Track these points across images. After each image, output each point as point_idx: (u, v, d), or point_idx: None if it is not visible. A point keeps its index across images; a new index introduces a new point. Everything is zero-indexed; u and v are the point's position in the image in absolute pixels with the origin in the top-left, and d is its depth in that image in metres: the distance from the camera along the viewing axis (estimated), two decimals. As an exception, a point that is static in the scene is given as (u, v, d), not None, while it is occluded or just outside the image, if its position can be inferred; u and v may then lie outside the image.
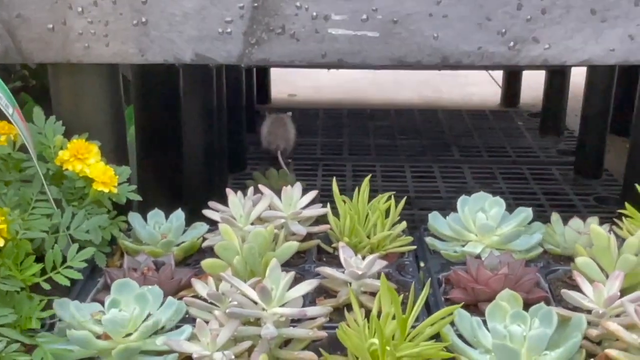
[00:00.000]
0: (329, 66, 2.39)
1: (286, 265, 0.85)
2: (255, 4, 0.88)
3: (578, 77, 2.24)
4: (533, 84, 2.88)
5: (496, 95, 3.03)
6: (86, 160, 0.88)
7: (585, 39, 0.89)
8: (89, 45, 0.91)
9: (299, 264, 0.92)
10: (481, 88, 3.27)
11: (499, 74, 3.16)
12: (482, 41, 0.90)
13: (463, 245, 0.93)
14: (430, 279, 0.85)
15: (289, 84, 3.24)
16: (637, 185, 0.94)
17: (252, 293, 0.74)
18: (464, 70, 3.43)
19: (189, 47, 0.90)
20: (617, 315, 0.74)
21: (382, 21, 0.89)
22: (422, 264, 0.93)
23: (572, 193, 2.03)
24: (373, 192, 0.98)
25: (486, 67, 2.20)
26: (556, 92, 2.50)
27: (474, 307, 0.83)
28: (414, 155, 2.31)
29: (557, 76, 2.49)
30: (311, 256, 0.94)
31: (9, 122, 0.88)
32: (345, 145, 2.43)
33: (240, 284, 0.74)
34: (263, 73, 2.88)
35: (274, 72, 3.00)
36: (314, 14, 0.89)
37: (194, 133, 1.66)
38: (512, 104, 2.91)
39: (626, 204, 0.94)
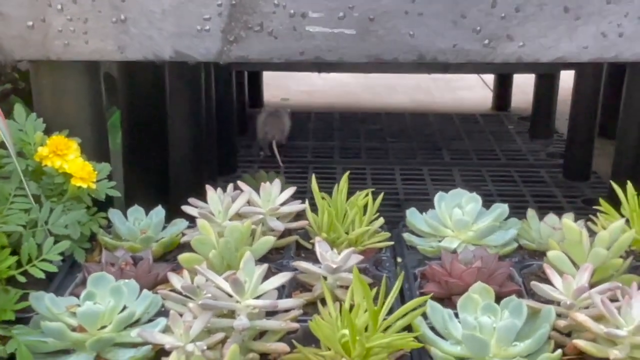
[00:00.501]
0: (307, 67, 2.41)
1: (264, 261, 0.85)
2: (234, 2, 0.89)
3: (568, 82, 2.25)
4: (525, 88, 2.90)
5: (487, 100, 3.05)
6: (65, 156, 0.89)
7: (558, 36, 0.90)
8: (68, 43, 0.92)
9: (277, 260, 0.92)
10: (473, 92, 3.29)
11: (490, 78, 3.18)
12: (457, 38, 0.91)
13: (440, 241, 0.94)
14: (404, 272, 0.85)
15: (281, 89, 3.25)
16: (613, 183, 0.95)
17: (227, 286, 0.74)
18: (456, 75, 3.45)
19: (168, 44, 0.91)
20: (586, 307, 0.75)
21: (358, 19, 0.90)
22: (399, 260, 0.94)
23: (560, 195, 2.05)
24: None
25: (462, 66, 2.22)
26: (546, 96, 2.52)
27: (448, 300, 0.83)
28: (404, 158, 2.33)
29: (547, 80, 2.51)
30: (289, 252, 0.95)
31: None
32: (336, 149, 2.44)
33: (214, 277, 0.75)
34: (255, 77, 2.90)
35: (267, 77, 3.01)
36: (292, 11, 0.90)
37: (181, 135, 1.67)
38: (503, 108, 2.93)
39: (601, 200, 0.95)
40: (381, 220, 0.96)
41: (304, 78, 3.32)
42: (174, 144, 1.63)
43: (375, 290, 0.73)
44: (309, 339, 0.76)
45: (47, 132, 0.95)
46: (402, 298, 0.84)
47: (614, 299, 0.73)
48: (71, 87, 0.97)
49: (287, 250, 0.96)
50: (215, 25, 0.90)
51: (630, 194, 0.93)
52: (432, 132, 2.63)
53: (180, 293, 0.78)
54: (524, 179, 2.17)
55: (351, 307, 0.73)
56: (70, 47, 0.92)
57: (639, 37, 0.89)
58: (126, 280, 0.79)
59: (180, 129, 1.67)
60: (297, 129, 2.60)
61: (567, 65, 2.26)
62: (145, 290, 0.78)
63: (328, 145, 2.44)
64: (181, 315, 0.73)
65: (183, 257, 0.83)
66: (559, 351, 0.70)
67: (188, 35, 0.91)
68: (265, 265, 0.76)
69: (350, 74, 3.43)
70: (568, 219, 0.89)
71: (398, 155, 2.38)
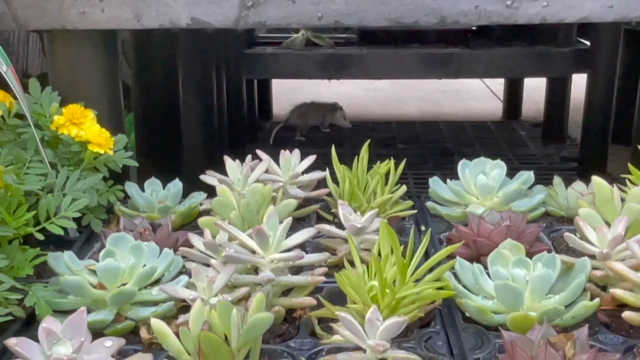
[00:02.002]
0: (316, 74, 2.41)
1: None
2: (251, -34, 0.89)
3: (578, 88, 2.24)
4: (535, 98, 2.89)
5: (498, 110, 3.03)
6: (82, 124, 0.88)
7: (582, -5, 0.88)
8: (84, 11, 0.91)
9: (298, 229, 0.90)
10: (482, 103, 3.28)
11: (500, 89, 3.17)
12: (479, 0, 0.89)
13: (465, 208, 0.91)
14: (430, 238, 0.83)
15: (290, 101, 3.25)
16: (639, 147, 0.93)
17: (250, 241, 0.72)
18: (465, 86, 3.45)
19: (185, 11, 0.90)
20: (622, 260, 0.72)
21: (378, -19, 0.89)
22: (422, 228, 0.92)
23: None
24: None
25: (472, 70, 2.22)
26: (558, 100, 2.50)
27: (477, 262, 0.81)
28: (416, 164, 2.31)
29: (559, 84, 2.50)
30: (310, 222, 0.93)
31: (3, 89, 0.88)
32: (347, 156, 2.43)
33: (237, 232, 0.73)
34: (265, 89, 2.91)
35: (276, 91, 3.02)
36: (310, -25, 0.89)
37: (193, 138, 1.67)
38: (513, 117, 2.91)
39: (629, 165, 0.93)
40: (404, 188, 0.94)
41: (312, 91, 3.32)
42: (186, 144, 1.62)
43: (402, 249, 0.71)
44: (334, 299, 0.73)
45: (62, 106, 0.94)
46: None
47: (650, 252, 0.70)
48: (87, 59, 0.96)
49: (308, 220, 0.93)
50: (234, -10, 0.89)
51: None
52: (443, 139, 2.62)
53: (201, 253, 0.76)
54: (539, 182, 2.15)
55: (378, 256, 0.71)
56: (87, 16, 0.91)
57: (665, -6, 0.87)
58: (146, 243, 0.77)
59: (193, 133, 1.67)
60: (307, 138, 2.60)
61: (580, 69, 2.26)
62: (166, 249, 0.76)
63: (339, 152, 2.43)
64: (203, 273, 0.71)
65: (203, 219, 0.81)
66: (597, 299, 0.67)
67: (205, 1, 0.90)
68: (289, 219, 0.73)
69: (358, 87, 3.43)
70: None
71: (410, 160, 2.36)
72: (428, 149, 2.49)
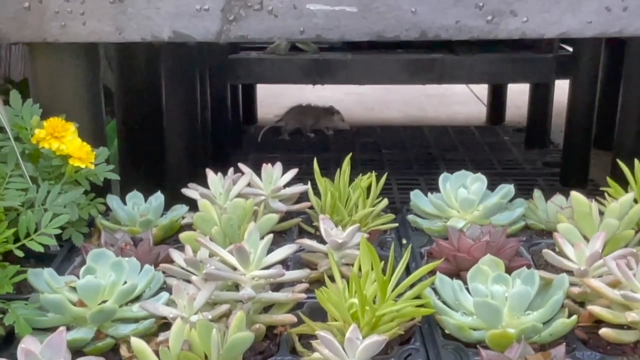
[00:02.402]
0: (300, 79, 2.42)
1: (268, 243, 0.83)
2: (233, -20, 0.89)
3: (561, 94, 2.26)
4: (518, 103, 2.91)
5: (481, 115, 3.05)
6: (63, 138, 0.87)
7: (562, 11, 0.89)
8: (65, 24, 0.90)
9: (279, 243, 0.90)
10: (466, 107, 3.29)
11: (484, 94, 3.18)
12: (460, 15, 0.90)
13: (445, 222, 0.92)
14: (411, 252, 0.84)
15: (275, 105, 3.25)
16: (618, 160, 0.94)
17: (231, 258, 0.72)
18: (449, 91, 3.47)
19: (167, 25, 0.90)
20: (600, 276, 0.73)
21: (360, -4, 0.90)
22: (404, 241, 0.92)
23: (558, 202, 2.03)
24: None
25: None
26: (541, 106, 2.52)
27: (457, 277, 0.81)
28: (400, 169, 2.32)
29: (541, 90, 2.52)
30: (292, 235, 0.93)
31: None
32: (331, 160, 2.43)
33: (218, 249, 0.73)
34: (250, 94, 2.91)
35: (261, 95, 3.02)
36: (292, -11, 0.89)
37: (176, 144, 1.66)
38: (497, 121, 2.93)
39: (608, 179, 0.94)
40: (385, 201, 0.95)
41: (296, 95, 3.32)
42: (169, 152, 1.62)
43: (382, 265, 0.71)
44: (315, 315, 0.74)
45: (44, 117, 0.93)
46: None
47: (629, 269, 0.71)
48: (68, 72, 0.96)
49: (290, 234, 0.94)
50: (215, 4, 0.89)
51: (638, 171, 0.91)
52: (427, 144, 2.63)
53: (182, 269, 0.76)
54: (521, 187, 2.16)
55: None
56: (68, 29, 0.91)
57: (642, 11, 0.88)
58: (127, 259, 0.77)
59: (176, 140, 1.67)
60: (291, 143, 2.60)
61: (562, 75, 2.27)
62: (146, 265, 0.76)
63: (324, 157, 2.43)
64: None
65: (185, 235, 0.81)
66: (574, 316, 0.68)
67: (187, 14, 0.90)
68: (270, 236, 0.74)
69: (342, 91, 3.44)
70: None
71: (394, 166, 2.37)
72: (412, 153, 2.50)
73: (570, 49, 2.25)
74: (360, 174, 0.98)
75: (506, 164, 2.36)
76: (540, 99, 2.51)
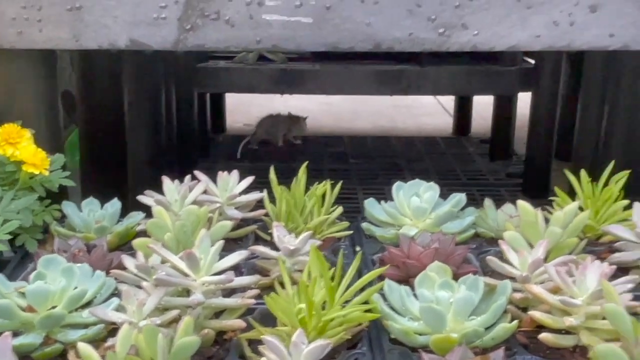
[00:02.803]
0: (269, 88, 2.43)
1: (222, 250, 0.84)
2: (190, -10, 0.90)
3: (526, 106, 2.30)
4: (484, 114, 2.94)
5: (448, 126, 3.09)
6: (18, 144, 0.88)
7: (512, 25, 0.92)
8: (22, 31, 0.91)
9: (235, 250, 0.91)
10: (434, 119, 3.33)
11: (451, 105, 3.22)
12: (413, 27, 0.92)
13: (398, 229, 0.93)
14: (363, 259, 0.85)
15: (244, 114, 3.26)
16: (567, 171, 0.97)
17: (182, 264, 0.73)
18: (417, 102, 3.51)
19: (124, 33, 0.91)
20: (542, 282, 0.75)
21: (315, 7, 0.91)
22: (357, 248, 0.94)
23: (519, 212, 2.06)
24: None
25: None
26: (504, 118, 2.56)
27: (407, 283, 0.83)
28: (367, 179, 2.34)
29: (505, 102, 2.56)
30: (248, 242, 0.94)
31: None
32: (298, 170, 2.44)
33: (169, 255, 0.73)
34: (218, 102, 2.91)
35: (230, 104, 3.02)
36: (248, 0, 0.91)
37: (140, 153, 1.66)
38: (463, 132, 2.97)
39: (556, 188, 0.96)
40: (340, 209, 0.96)
41: (266, 105, 3.33)
42: (133, 160, 1.62)
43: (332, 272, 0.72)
44: (266, 321, 0.75)
45: (0, 123, 0.93)
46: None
47: (569, 276, 0.73)
48: (25, 78, 0.96)
49: (246, 241, 0.95)
50: (172, 13, 0.91)
51: (584, 180, 0.94)
52: (394, 154, 2.65)
53: (133, 275, 0.76)
54: (484, 197, 2.19)
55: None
56: (24, 36, 0.91)
57: (589, 25, 0.91)
58: (79, 265, 0.77)
59: (139, 149, 1.66)
60: (260, 152, 2.61)
61: (525, 88, 2.31)
62: (97, 271, 0.76)
63: (292, 167, 2.44)
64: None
65: (137, 241, 0.81)
66: (515, 321, 0.70)
67: (144, 23, 0.91)
68: (221, 242, 0.74)
69: (312, 101, 3.45)
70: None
71: (361, 175, 2.39)
72: (379, 164, 2.53)
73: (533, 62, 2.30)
74: (316, 183, 0.99)
75: (470, 175, 2.40)
76: (504, 111, 2.55)
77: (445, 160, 2.57)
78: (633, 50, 0.91)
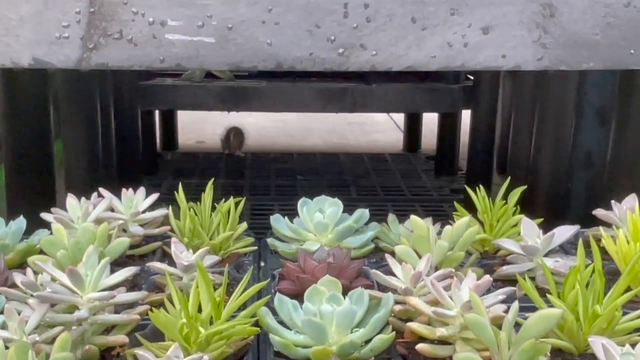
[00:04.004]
0: (216, 106, 2.45)
1: (125, 266, 0.85)
2: (92, 9, 0.91)
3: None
4: (435, 130, 2.99)
5: (399, 142, 3.13)
6: None
7: (408, 45, 0.94)
8: None
9: (139, 266, 0.92)
10: (386, 135, 3.38)
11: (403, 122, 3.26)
12: (313, 47, 0.94)
13: (302, 245, 0.95)
14: (264, 274, 0.87)
15: (197, 131, 3.27)
16: (467, 187, 0.99)
17: (69, 281, 0.74)
18: (370, 119, 3.55)
19: (26, 51, 0.92)
20: (425, 295, 0.77)
21: (217, 27, 0.93)
22: (262, 264, 0.95)
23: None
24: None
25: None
26: (449, 134, 2.61)
27: (302, 297, 0.84)
28: (313, 194, 2.36)
29: (450, 119, 2.61)
30: (154, 259, 0.95)
31: None
32: (245, 186, 2.45)
33: (54, 271, 0.74)
34: (170, 120, 2.92)
35: (182, 121, 3.03)
36: (151, 19, 0.92)
37: (75, 175, 1.66)
38: (413, 148, 3.01)
39: (455, 204, 0.99)
40: (244, 225, 0.98)
41: (220, 122, 3.34)
42: (67, 178, 1.62)
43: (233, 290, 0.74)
44: (158, 336, 0.76)
45: None
46: (259, 298, 0.85)
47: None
48: None
49: (151, 258, 0.95)
50: (74, 32, 0.92)
51: (481, 196, 0.97)
52: (342, 170, 2.68)
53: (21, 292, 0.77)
54: (428, 213, 2.22)
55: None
56: None
57: (482, 46, 0.94)
58: (-31, 282, 0.77)
59: (73, 167, 1.66)
60: (208, 169, 2.62)
61: (467, 105, 2.36)
62: (-16, 289, 0.76)
63: (238, 184, 2.46)
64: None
65: (31, 258, 0.82)
66: (393, 333, 0.71)
67: (46, 42, 0.91)
68: (107, 259, 0.75)
69: (267, 118, 3.48)
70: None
71: (307, 191, 2.41)
72: (326, 180, 2.55)
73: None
74: (223, 199, 1.00)
75: (415, 191, 2.43)
76: (449, 128, 2.60)
77: (391, 177, 2.61)
78: (524, 70, 0.94)
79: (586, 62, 0.94)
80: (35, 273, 0.80)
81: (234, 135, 2.75)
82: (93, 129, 1.72)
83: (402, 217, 2.23)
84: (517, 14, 0.93)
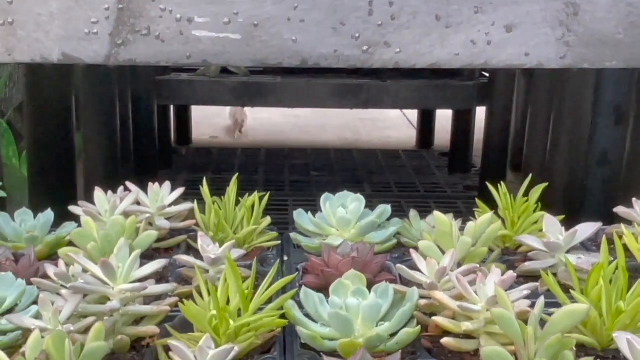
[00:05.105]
0: (231, 101, 2.47)
1: (152, 259, 0.87)
2: (121, 6, 0.92)
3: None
4: (448, 127, 3.00)
5: (412, 139, 3.13)
6: (-50, 155, 0.89)
7: (432, 43, 0.95)
8: (-44, 45, 0.93)
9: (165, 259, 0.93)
10: (399, 132, 3.38)
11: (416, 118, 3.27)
12: (338, 45, 0.95)
13: (325, 239, 0.96)
14: (288, 268, 0.88)
15: (211, 127, 3.28)
16: (488, 183, 1.00)
17: (100, 272, 0.75)
18: (383, 115, 3.55)
19: (56, 47, 0.93)
20: (450, 290, 0.78)
21: (243, 24, 0.94)
22: (285, 258, 0.96)
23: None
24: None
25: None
26: (463, 131, 2.62)
27: (326, 291, 0.86)
28: (327, 190, 2.37)
29: (464, 116, 2.61)
30: (179, 252, 0.96)
31: None
32: (260, 182, 2.47)
33: (87, 263, 0.76)
34: (183, 114, 2.93)
35: (197, 116, 3.05)
36: (178, 16, 0.93)
37: (94, 169, 1.68)
38: (426, 145, 3.02)
39: (477, 200, 1.00)
40: (268, 219, 0.99)
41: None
42: (86, 171, 1.64)
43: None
44: (186, 328, 0.77)
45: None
46: (284, 291, 0.86)
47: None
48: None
49: (177, 251, 0.97)
50: (103, 28, 0.93)
51: (502, 193, 0.98)
52: (356, 166, 2.69)
53: (53, 283, 0.78)
54: (442, 209, 2.23)
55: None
56: (-41, 49, 0.93)
57: (505, 44, 0.95)
58: (3, 273, 0.79)
59: (92, 160, 1.68)
60: (223, 163, 2.64)
61: (481, 102, 2.36)
62: (19, 280, 0.78)
63: (252, 178, 2.47)
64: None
65: (62, 250, 0.83)
66: (418, 327, 0.73)
67: (76, 38, 0.93)
68: (137, 251, 0.77)
69: (280, 113, 3.49)
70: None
71: (321, 187, 2.42)
72: (340, 176, 2.56)
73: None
74: (247, 194, 1.02)
75: (429, 187, 2.44)
76: (463, 125, 2.61)
77: (405, 173, 2.62)
78: (547, 69, 0.95)
79: (609, 60, 0.95)
80: (66, 265, 0.81)
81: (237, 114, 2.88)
82: (112, 123, 1.74)
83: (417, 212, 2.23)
84: (541, 12, 0.94)
